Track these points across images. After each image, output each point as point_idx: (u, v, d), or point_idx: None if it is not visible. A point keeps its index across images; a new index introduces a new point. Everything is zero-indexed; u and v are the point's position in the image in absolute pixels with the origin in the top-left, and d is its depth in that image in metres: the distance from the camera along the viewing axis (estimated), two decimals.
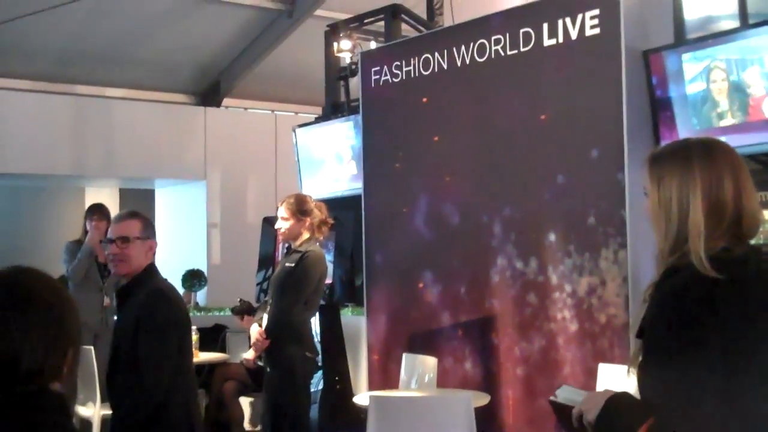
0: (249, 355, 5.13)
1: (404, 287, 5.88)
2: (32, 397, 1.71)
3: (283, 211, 5.14)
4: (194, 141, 10.68)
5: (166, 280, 3.77)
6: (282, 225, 5.15)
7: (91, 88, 10.53)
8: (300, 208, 5.14)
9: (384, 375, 5.95)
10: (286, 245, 5.36)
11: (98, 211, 7.59)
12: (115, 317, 4.10)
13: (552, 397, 2.34)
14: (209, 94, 11.40)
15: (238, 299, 5.60)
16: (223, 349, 7.10)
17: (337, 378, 5.95)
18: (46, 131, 9.69)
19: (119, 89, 10.78)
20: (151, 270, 3.70)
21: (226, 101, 11.52)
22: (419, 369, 5.10)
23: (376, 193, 6.17)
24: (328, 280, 6.42)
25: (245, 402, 6.69)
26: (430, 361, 5.04)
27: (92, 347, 6.76)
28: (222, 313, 7.59)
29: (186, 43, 10.54)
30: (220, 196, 10.74)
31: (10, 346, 1.69)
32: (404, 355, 5.30)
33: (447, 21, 8.19)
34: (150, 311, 3.54)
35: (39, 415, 1.71)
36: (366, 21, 7.91)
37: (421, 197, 5.78)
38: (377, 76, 6.15)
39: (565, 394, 2.32)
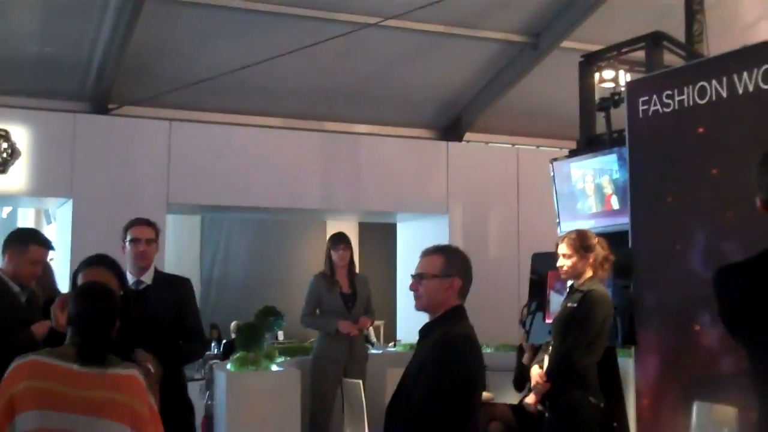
0: (530, 399, 4.94)
1: (678, 329, 5.52)
2: None
3: (564, 248, 4.93)
4: (437, 175, 10.68)
5: (469, 326, 3.54)
6: (564, 262, 4.94)
7: (338, 124, 10.77)
8: (583, 243, 4.92)
9: (655, 422, 5.61)
10: (564, 284, 5.15)
11: (343, 240, 7.69)
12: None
13: None
14: (451, 129, 11.41)
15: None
16: (484, 388, 6.95)
17: (615, 425, 5.65)
18: (295, 166, 9.96)
19: (365, 125, 10.96)
20: (453, 312, 3.51)
21: (467, 135, 11.49)
22: (714, 419, 4.74)
23: (645, 230, 5.85)
24: None
25: None
26: (729, 412, 4.67)
27: (360, 382, 6.80)
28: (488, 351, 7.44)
29: (429, 79, 10.60)
30: (462, 230, 10.65)
31: None
32: (696, 404, 4.94)
33: (711, 49, 7.81)
34: (433, 357, 3.39)
35: None
36: (624, 50, 7.62)
37: (698, 234, 5.43)
38: (645, 107, 5.86)
39: None
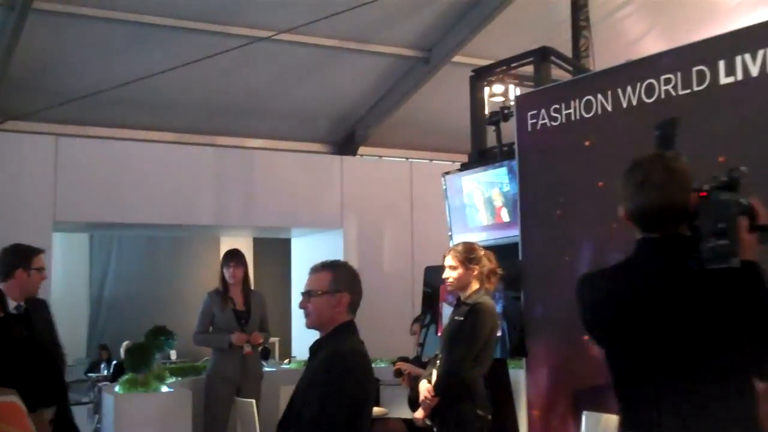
0: (419, 413, 4.93)
1: (567, 340, 5.60)
2: None
3: (450, 260, 4.95)
4: (331, 189, 10.64)
5: (359, 341, 3.51)
6: (449, 274, 4.96)
7: (231, 139, 10.66)
8: (468, 256, 4.93)
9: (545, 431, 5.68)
10: (456, 297, 5.16)
11: (235, 257, 7.58)
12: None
13: None
14: (345, 143, 11.41)
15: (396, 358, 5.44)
16: (377, 403, 6.93)
17: None
18: (188, 182, 9.80)
19: (258, 140, 10.88)
20: (342, 328, 3.48)
21: (361, 149, 11.52)
22: (602, 428, 4.80)
23: (534, 242, 5.93)
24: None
25: None
26: (616, 421, 4.72)
27: (254, 401, 6.69)
28: (375, 365, 7.42)
29: (322, 93, 10.60)
30: (356, 245, 10.63)
31: None
32: (585, 414, 5.00)
33: (597, 64, 7.99)
34: (322, 374, 3.36)
35: None
36: (513, 65, 7.72)
37: (585, 245, 5.53)
38: (534, 120, 5.95)
39: None
